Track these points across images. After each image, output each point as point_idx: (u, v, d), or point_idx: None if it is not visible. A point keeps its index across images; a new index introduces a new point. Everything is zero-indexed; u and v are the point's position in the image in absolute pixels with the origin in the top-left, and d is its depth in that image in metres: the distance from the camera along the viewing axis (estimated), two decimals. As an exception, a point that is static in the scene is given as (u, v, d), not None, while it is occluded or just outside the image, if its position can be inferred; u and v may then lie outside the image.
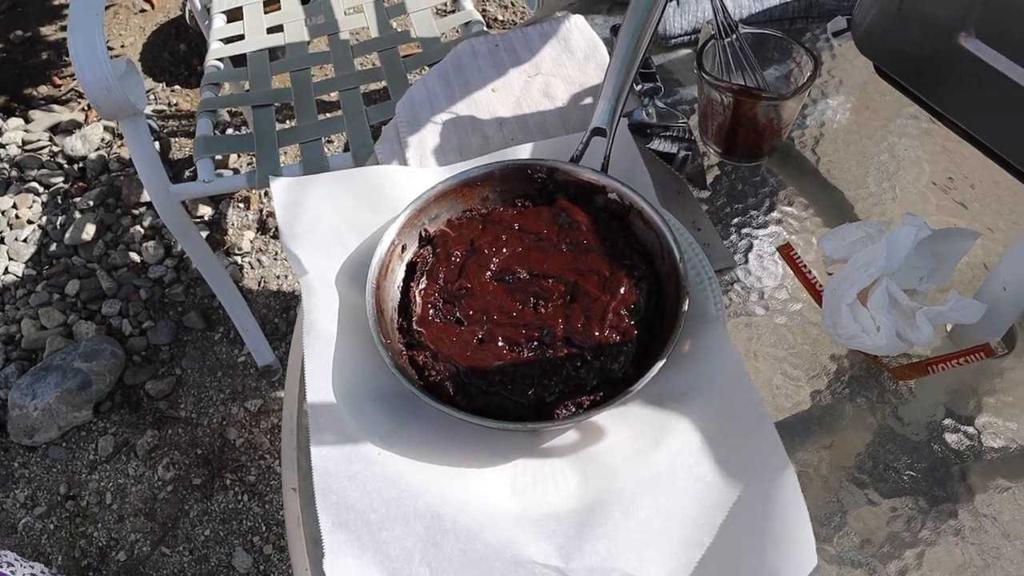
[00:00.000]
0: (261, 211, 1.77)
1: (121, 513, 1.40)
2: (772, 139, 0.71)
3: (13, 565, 0.84)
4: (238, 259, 1.70)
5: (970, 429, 0.57)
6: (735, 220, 0.69)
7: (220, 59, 1.36)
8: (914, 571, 0.51)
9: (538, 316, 0.57)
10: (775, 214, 0.70)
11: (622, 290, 0.57)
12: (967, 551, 0.52)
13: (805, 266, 0.63)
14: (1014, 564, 0.51)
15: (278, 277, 1.68)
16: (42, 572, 0.89)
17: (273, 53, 1.37)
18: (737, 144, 0.72)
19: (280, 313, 1.62)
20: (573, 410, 0.53)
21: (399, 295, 0.60)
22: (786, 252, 0.64)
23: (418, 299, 0.59)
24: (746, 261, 0.67)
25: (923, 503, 0.54)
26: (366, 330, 0.55)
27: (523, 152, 0.67)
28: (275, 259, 1.71)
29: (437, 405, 0.51)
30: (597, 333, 0.55)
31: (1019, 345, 0.60)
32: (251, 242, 1.73)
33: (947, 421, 0.58)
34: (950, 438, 0.57)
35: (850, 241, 0.60)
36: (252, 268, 1.70)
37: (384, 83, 1.29)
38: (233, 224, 1.75)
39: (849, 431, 0.58)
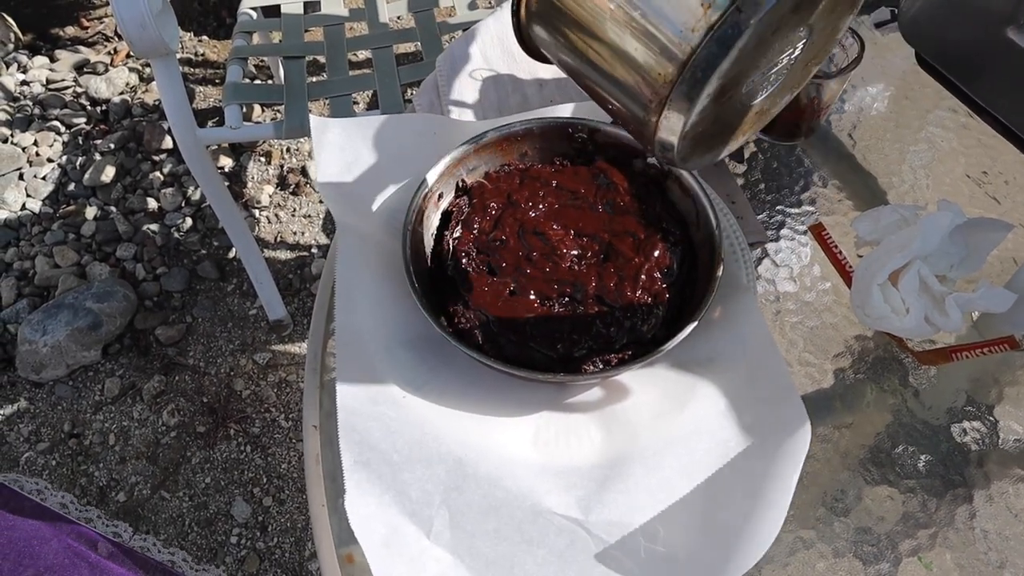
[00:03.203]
0: (282, 167, 1.77)
1: (123, 455, 1.40)
2: (811, 119, 0.71)
3: (43, 493, 0.85)
4: (256, 213, 1.70)
5: (989, 418, 0.57)
6: (768, 197, 0.69)
7: (254, 8, 1.36)
8: (926, 551, 0.52)
9: (571, 273, 0.57)
10: (808, 194, 0.70)
11: (656, 253, 0.57)
12: (980, 535, 0.52)
13: (836, 247, 0.63)
14: (1026, 550, 0.51)
15: (295, 233, 1.68)
16: (71, 503, 0.90)
17: (306, 7, 1.37)
18: (776, 122, 0.71)
19: (294, 269, 1.63)
20: (601, 366, 0.53)
21: (433, 242, 0.61)
22: (818, 232, 0.64)
23: (451, 247, 0.59)
24: (777, 238, 0.67)
25: (939, 486, 0.54)
26: (398, 274, 0.56)
27: (564, 111, 0.67)
28: (293, 215, 1.71)
29: (467, 351, 0.52)
30: (629, 293, 0.55)
31: (1045, 339, 0.60)
32: (270, 197, 1.72)
33: (967, 408, 0.58)
34: (969, 425, 0.57)
35: (884, 223, 0.60)
36: (269, 223, 1.70)
37: (415, 45, 1.28)
38: (253, 178, 1.75)
39: (870, 411, 0.58)
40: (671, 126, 0.37)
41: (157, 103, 1.83)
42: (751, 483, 0.48)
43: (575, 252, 0.58)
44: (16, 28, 1.95)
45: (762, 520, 0.46)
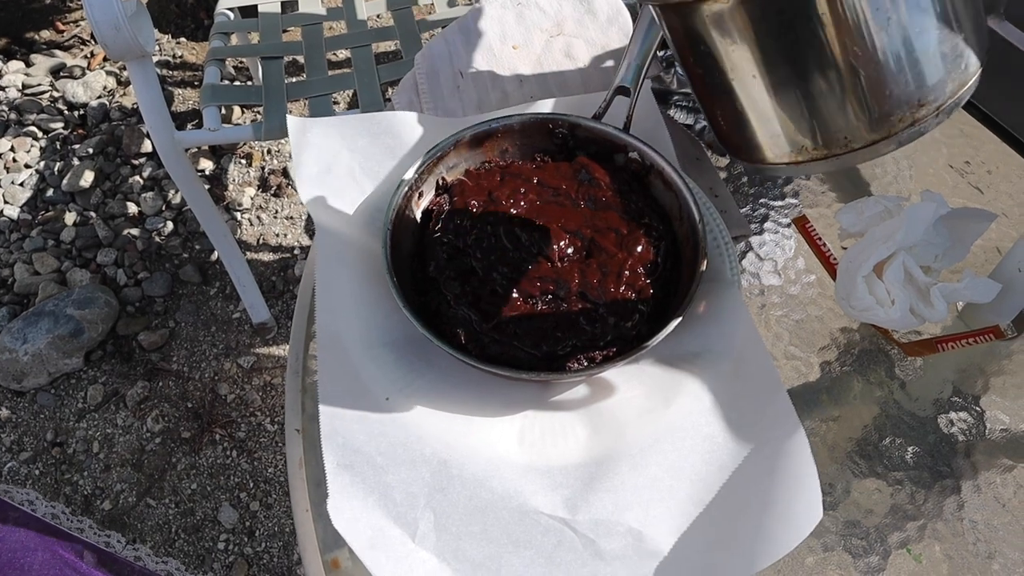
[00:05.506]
0: (263, 168, 1.75)
1: (108, 462, 1.39)
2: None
3: (34, 503, 0.83)
4: (238, 215, 1.69)
5: (976, 408, 0.57)
6: (751, 190, 0.69)
7: (231, 8, 1.34)
8: (915, 543, 0.51)
9: (554, 270, 0.56)
10: (791, 186, 0.69)
11: (639, 249, 0.57)
12: (968, 526, 0.52)
13: (820, 239, 0.63)
14: (1014, 540, 0.51)
15: (277, 235, 1.67)
16: (62, 512, 0.88)
17: (284, 7, 1.36)
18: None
19: (278, 271, 1.61)
20: (585, 364, 0.52)
21: (413, 242, 0.60)
22: (801, 224, 0.64)
23: (432, 246, 0.58)
24: (761, 231, 0.66)
25: (927, 477, 0.54)
26: (379, 274, 0.55)
27: (544, 107, 0.66)
28: (275, 217, 1.69)
29: (450, 351, 0.51)
30: (612, 290, 0.55)
31: (1029, 328, 0.60)
32: (252, 199, 1.71)
33: (954, 399, 0.58)
34: (956, 416, 0.57)
35: (868, 215, 0.60)
36: (251, 225, 1.68)
37: (394, 43, 1.27)
38: (234, 180, 1.74)
39: (857, 403, 0.58)
40: (805, 169, 0.41)
41: (135, 106, 1.81)
42: (744, 481, 0.48)
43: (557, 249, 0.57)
44: (-10, 33, 1.93)
45: (770, 525, 0.45)
